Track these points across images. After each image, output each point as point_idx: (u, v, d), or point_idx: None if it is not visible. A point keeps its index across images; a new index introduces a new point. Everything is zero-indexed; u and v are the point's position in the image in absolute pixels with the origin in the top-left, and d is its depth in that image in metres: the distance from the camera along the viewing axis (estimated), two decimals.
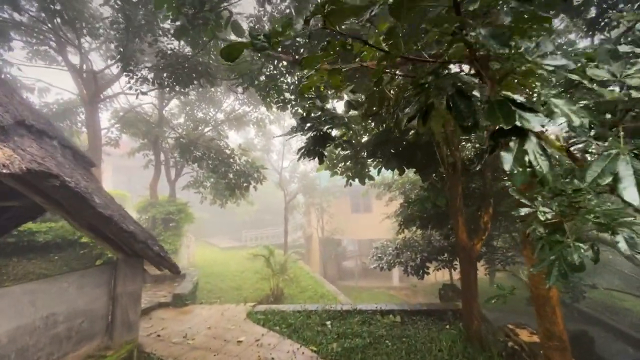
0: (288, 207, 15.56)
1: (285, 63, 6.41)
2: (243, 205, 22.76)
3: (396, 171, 8.33)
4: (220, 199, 11.91)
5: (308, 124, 3.67)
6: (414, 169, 7.40)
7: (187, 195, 13.70)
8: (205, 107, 13.75)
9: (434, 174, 6.09)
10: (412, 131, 6.35)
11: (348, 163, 8.17)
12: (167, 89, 6.18)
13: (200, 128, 11.97)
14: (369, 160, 8.17)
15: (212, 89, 13.50)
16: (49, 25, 7.49)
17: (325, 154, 4.35)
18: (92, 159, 9.19)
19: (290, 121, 15.23)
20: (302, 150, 3.88)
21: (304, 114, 3.96)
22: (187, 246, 14.07)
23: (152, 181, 11.35)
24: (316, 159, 4.14)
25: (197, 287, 7.76)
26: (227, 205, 12.71)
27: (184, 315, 6.12)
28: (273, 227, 25.13)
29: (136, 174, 11.47)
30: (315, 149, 3.80)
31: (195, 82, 6.06)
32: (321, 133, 3.67)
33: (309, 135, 3.81)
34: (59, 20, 7.06)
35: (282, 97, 6.65)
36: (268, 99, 6.90)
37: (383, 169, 6.91)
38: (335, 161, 7.51)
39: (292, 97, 6.82)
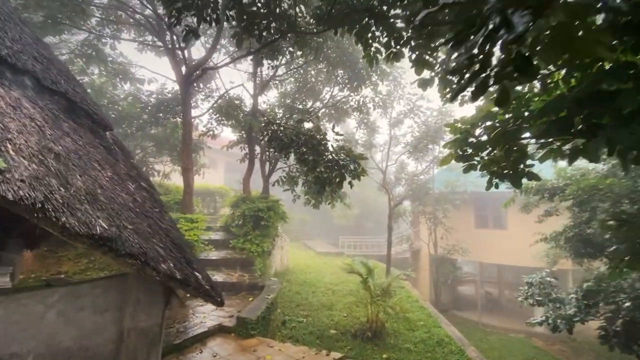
0: (392, 214, 12.75)
1: None
2: (342, 209, 21.07)
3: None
4: (314, 198, 10.23)
5: None
6: None
7: (286, 194, 12.70)
8: (305, 99, 12.52)
9: None
10: None
11: (495, 152, 5.01)
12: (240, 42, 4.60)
13: (295, 117, 10.64)
14: (539, 147, 4.76)
15: (312, 79, 12.12)
16: (150, 7, 7.23)
17: None
18: (184, 146, 8.85)
19: (400, 107, 12.41)
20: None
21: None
22: (280, 247, 13.00)
23: (245, 175, 10.57)
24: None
25: (273, 308, 6.00)
26: (325, 208, 10.97)
27: (242, 355, 4.31)
28: (373, 235, 22.53)
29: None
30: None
31: (271, 29, 4.28)
32: None
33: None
34: None
35: (395, 35, 4.17)
36: (373, 47, 4.55)
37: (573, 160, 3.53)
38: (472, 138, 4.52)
39: (411, 34, 4.25)
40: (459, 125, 5.43)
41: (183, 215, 7.43)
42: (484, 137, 4.85)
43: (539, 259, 13.39)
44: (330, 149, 6.55)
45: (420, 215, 15.94)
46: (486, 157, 5.01)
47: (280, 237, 12.80)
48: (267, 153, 11.58)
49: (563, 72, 3.73)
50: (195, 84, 10.72)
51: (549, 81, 4.13)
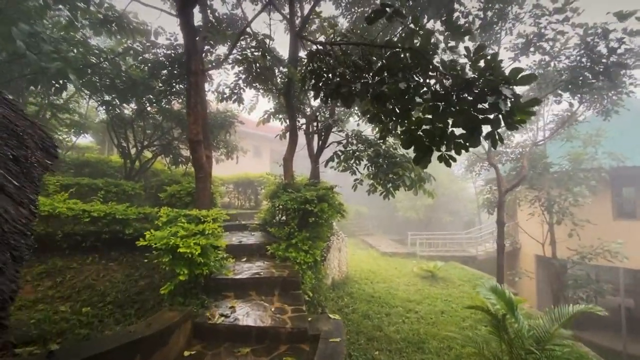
0: (503, 203, 8.69)
1: None
2: (410, 199, 17.11)
3: None
4: (382, 185, 7.00)
5: None
6: None
7: (343, 180, 9.58)
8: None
9: None
10: None
11: None
12: None
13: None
14: None
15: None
16: None
17: None
18: (189, 107, 5.88)
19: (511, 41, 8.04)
20: None
21: None
22: (338, 249, 9.82)
23: (286, 154, 7.57)
24: None
25: None
26: (396, 196, 7.60)
27: None
28: (449, 231, 18.25)
29: (298, 158, 8.33)
30: None
31: None
32: None
33: None
34: None
35: None
36: None
37: None
38: None
39: None
40: None
41: (187, 212, 4.68)
42: None
43: None
44: (441, 68, 3.09)
45: (528, 204, 11.45)
46: None
47: (337, 235, 9.67)
48: (316, 124, 8.47)
49: None
50: (211, 27, 7.86)
51: None
